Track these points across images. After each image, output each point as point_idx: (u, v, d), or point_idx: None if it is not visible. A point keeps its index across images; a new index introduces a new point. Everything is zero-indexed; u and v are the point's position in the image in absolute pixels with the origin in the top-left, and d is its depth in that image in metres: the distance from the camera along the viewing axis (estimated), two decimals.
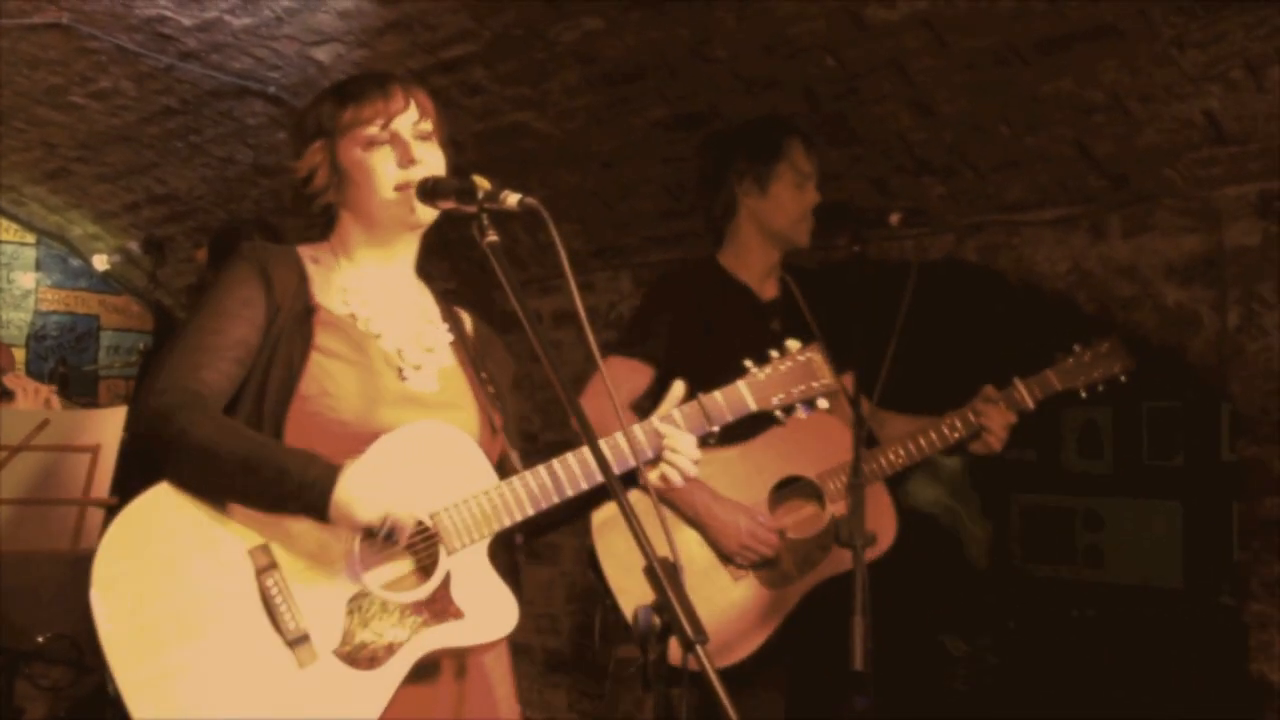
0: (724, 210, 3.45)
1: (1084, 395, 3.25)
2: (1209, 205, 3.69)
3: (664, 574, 1.84)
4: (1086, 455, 6.07)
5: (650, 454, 2.27)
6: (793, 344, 2.44)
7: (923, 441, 3.24)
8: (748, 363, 2.41)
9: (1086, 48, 3.49)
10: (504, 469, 2.30)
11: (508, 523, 2.18)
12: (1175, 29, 3.33)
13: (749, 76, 4.11)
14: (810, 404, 2.43)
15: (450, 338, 2.40)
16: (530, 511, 2.19)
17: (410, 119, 2.29)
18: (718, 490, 3.20)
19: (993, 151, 3.96)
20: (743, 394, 2.38)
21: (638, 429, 2.27)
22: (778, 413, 2.41)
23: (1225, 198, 3.66)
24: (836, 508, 3.21)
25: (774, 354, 2.42)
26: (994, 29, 3.55)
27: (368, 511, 2.04)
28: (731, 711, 1.74)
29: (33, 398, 4.16)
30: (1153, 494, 5.83)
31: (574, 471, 2.22)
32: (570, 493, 2.22)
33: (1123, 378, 3.26)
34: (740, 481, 3.23)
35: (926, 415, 3.34)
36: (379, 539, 2.07)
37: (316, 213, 2.36)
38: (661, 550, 1.86)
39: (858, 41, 3.78)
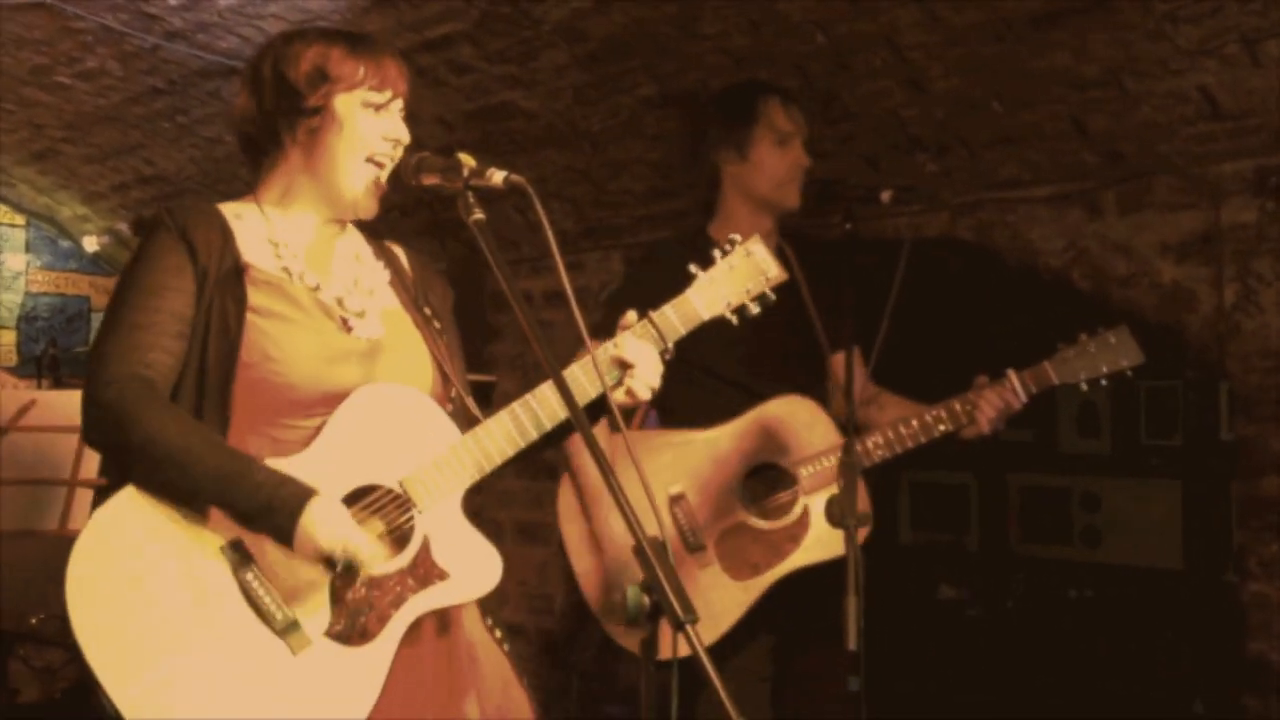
0: (709, 182, 3.38)
1: (1085, 389, 3.06)
2: (1205, 181, 3.66)
3: (653, 553, 1.82)
4: (1084, 435, 6.05)
5: (609, 379, 2.22)
6: (735, 237, 2.36)
7: (904, 431, 3.11)
8: (693, 268, 2.33)
9: (1080, 22, 3.45)
10: (458, 412, 2.28)
11: (477, 477, 2.16)
12: (1170, 3, 3.29)
13: (738, 54, 4.07)
14: (762, 299, 2.35)
15: (388, 275, 2.35)
16: (498, 462, 2.17)
17: (402, 104, 2.27)
18: (689, 471, 3.15)
19: (986, 128, 3.93)
20: (692, 303, 2.31)
21: (596, 354, 2.20)
22: (729, 315, 2.34)
23: (1221, 174, 3.63)
24: (809, 499, 3.13)
25: (717, 254, 2.34)
26: (987, 4, 3.51)
27: (329, 543, 2.01)
28: (723, 689, 1.74)
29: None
30: (1151, 474, 5.82)
31: (535, 415, 2.18)
32: (534, 436, 2.19)
33: (1129, 373, 3.05)
34: (714, 464, 3.16)
35: (925, 399, 3.22)
36: (338, 570, 2.04)
37: (269, 142, 2.26)
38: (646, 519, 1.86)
39: (848, 17, 3.74)
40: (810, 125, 3.40)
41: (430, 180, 2.18)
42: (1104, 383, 3.07)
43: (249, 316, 2.13)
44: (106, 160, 6.66)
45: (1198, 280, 3.73)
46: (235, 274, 2.16)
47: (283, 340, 2.13)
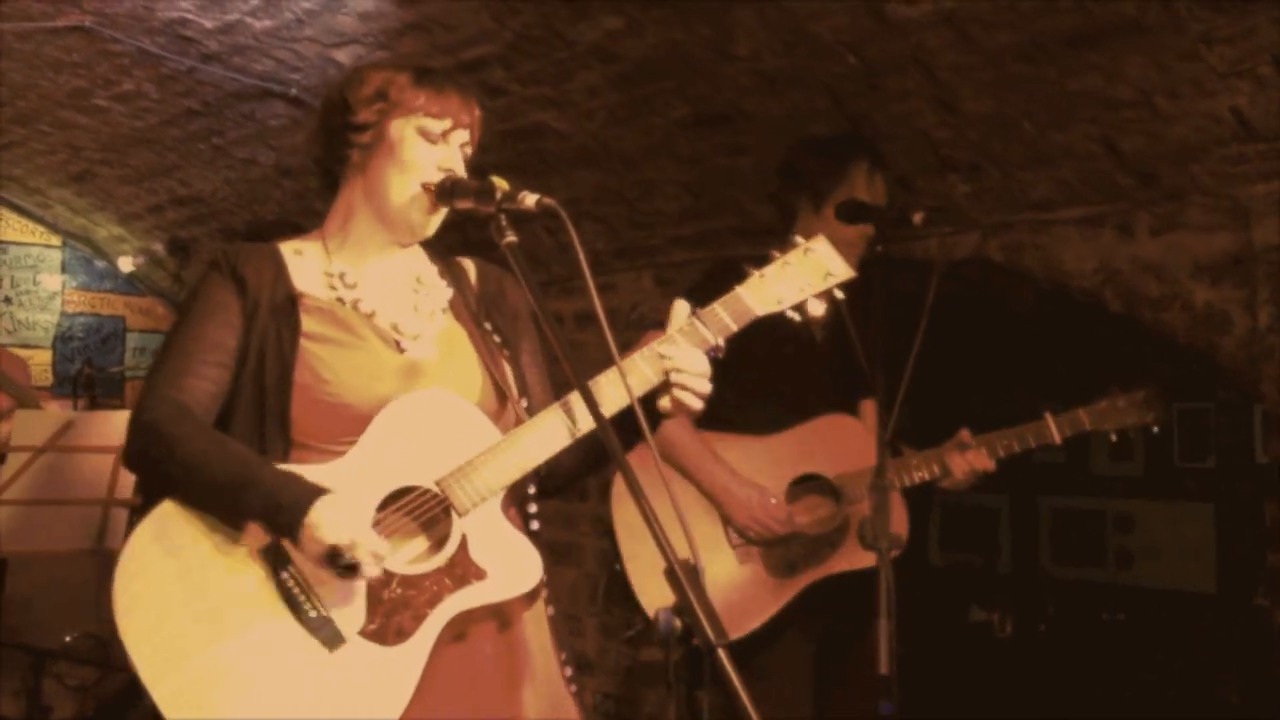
0: (783, 214, 3.46)
1: (1114, 439, 3.26)
2: (1238, 203, 3.64)
3: (684, 576, 1.82)
4: (1117, 457, 6.02)
5: (655, 379, 2.18)
6: (797, 238, 2.31)
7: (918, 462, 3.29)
8: (747, 266, 2.30)
9: (1113, 44, 3.44)
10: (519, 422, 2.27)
11: (517, 476, 2.16)
12: (1203, 24, 3.28)
13: (771, 75, 4.08)
14: (826, 297, 2.28)
15: (449, 294, 2.37)
16: (538, 460, 2.16)
17: (464, 137, 2.29)
18: (745, 471, 3.27)
19: (1018, 149, 3.92)
20: (743, 300, 2.25)
21: (638, 357, 2.18)
22: (790, 312, 2.27)
23: (1254, 195, 3.61)
24: (852, 509, 3.26)
25: (775, 252, 2.29)
26: (1018, 25, 3.51)
27: (333, 534, 2.00)
28: (753, 712, 1.73)
29: None
30: (1185, 496, 5.79)
31: (575, 415, 2.15)
32: (575, 436, 2.16)
33: (1155, 429, 3.26)
34: (759, 472, 3.28)
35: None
36: (339, 566, 2.02)
37: (336, 161, 2.31)
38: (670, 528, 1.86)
39: (880, 39, 3.75)
40: (892, 195, 3.44)
41: (464, 204, 2.20)
42: (1131, 435, 3.27)
43: (302, 342, 2.19)
44: (143, 181, 6.73)
45: (1231, 302, 3.71)
46: (289, 303, 2.22)
47: (334, 362, 2.19)
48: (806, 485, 3.31)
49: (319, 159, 2.35)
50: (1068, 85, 3.63)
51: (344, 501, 2.04)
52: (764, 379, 3.26)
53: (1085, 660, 5.31)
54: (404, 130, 2.24)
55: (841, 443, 3.32)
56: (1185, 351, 3.84)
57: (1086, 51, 3.50)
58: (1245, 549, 5.39)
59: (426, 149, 2.24)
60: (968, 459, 3.24)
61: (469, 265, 2.46)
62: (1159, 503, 5.91)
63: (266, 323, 2.20)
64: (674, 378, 2.17)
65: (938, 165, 4.13)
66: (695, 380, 2.18)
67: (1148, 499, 5.96)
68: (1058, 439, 3.25)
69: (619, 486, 3.29)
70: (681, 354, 2.18)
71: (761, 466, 3.29)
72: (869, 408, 3.38)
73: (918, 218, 3.11)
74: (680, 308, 2.24)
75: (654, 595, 3.21)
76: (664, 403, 2.20)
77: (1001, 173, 4.04)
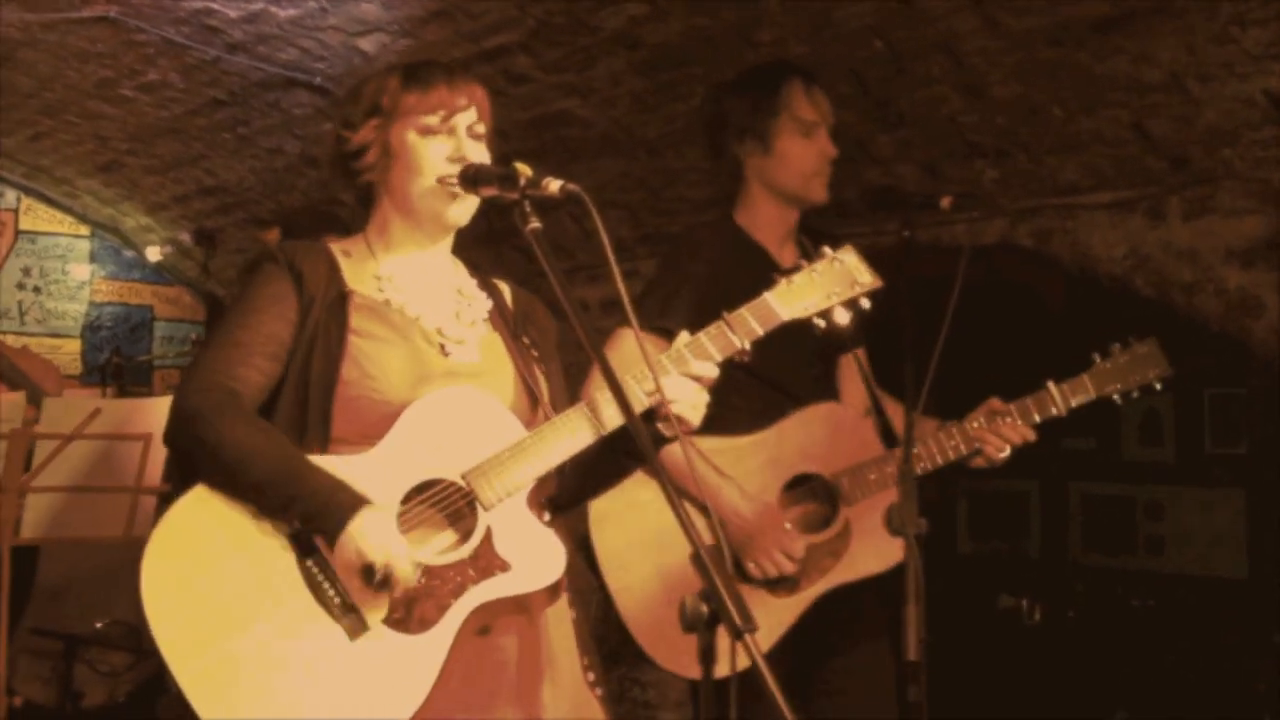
0: (731, 173, 3.20)
1: (1119, 401, 3.03)
2: (1270, 186, 3.61)
3: (710, 561, 1.82)
4: (1148, 443, 5.99)
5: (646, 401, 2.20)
6: (825, 249, 2.33)
7: (946, 442, 3.03)
8: (775, 274, 2.30)
9: (1143, 26, 3.41)
10: None
11: (541, 472, 2.18)
12: (1236, 6, 3.24)
13: (796, 60, 4.06)
14: (852, 306, 2.32)
15: (489, 305, 2.40)
16: (563, 456, 2.18)
17: (469, 118, 2.29)
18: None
19: (1046, 134, 3.89)
20: (770, 305, 2.28)
21: (665, 358, 2.22)
22: (816, 319, 2.30)
23: None
24: (851, 511, 3.02)
25: (803, 261, 2.32)
26: (1046, 9, 3.48)
27: (373, 552, 2.05)
28: (781, 699, 1.72)
29: None
30: (1216, 483, 5.74)
31: (600, 414, 2.18)
32: (600, 433, 2.18)
33: (1157, 385, 3.04)
34: (752, 474, 3.03)
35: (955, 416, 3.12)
36: (374, 580, 2.07)
37: (357, 187, 2.35)
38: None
39: (906, 24, 3.72)
40: (834, 109, 3.21)
41: (488, 191, 2.21)
42: (1135, 395, 3.05)
43: (350, 338, 2.21)
44: (169, 171, 6.76)
45: (1263, 286, 3.67)
46: (340, 300, 2.25)
47: (380, 359, 2.21)
48: (802, 487, 3.07)
49: (343, 186, 2.39)
50: (1096, 69, 3.60)
51: (381, 518, 2.08)
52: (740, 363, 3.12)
53: (1114, 647, 5.28)
54: (404, 135, 2.27)
55: (834, 436, 3.08)
56: (1217, 337, 3.81)
57: (1115, 35, 3.47)
58: (1277, 535, 5.34)
59: (432, 146, 2.26)
60: (998, 428, 3.01)
61: (503, 285, 2.50)
62: (1190, 489, 5.88)
63: (319, 318, 2.23)
64: (667, 404, 2.17)
65: (965, 150, 4.10)
66: (684, 403, 2.20)
67: (1178, 485, 5.92)
68: (1062, 410, 3.02)
69: (596, 509, 3.01)
70: (670, 385, 2.19)
71: (754, 470, 3.03)
72: (848, 364, 3.24)
73: (945, 203, 3.04)
74: (682, 337, 2.26)
75: (647, 627, 2.98)
76: (679, 409, 2.20)
77: (1029, 158, 4.01)
